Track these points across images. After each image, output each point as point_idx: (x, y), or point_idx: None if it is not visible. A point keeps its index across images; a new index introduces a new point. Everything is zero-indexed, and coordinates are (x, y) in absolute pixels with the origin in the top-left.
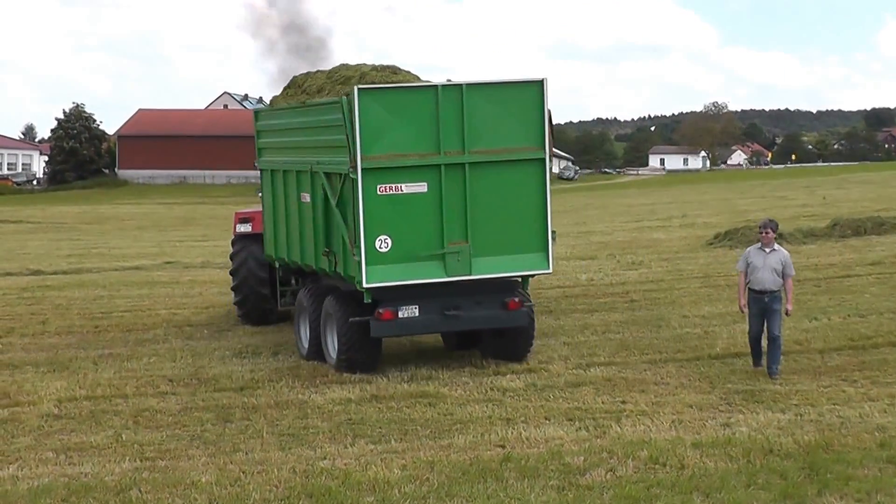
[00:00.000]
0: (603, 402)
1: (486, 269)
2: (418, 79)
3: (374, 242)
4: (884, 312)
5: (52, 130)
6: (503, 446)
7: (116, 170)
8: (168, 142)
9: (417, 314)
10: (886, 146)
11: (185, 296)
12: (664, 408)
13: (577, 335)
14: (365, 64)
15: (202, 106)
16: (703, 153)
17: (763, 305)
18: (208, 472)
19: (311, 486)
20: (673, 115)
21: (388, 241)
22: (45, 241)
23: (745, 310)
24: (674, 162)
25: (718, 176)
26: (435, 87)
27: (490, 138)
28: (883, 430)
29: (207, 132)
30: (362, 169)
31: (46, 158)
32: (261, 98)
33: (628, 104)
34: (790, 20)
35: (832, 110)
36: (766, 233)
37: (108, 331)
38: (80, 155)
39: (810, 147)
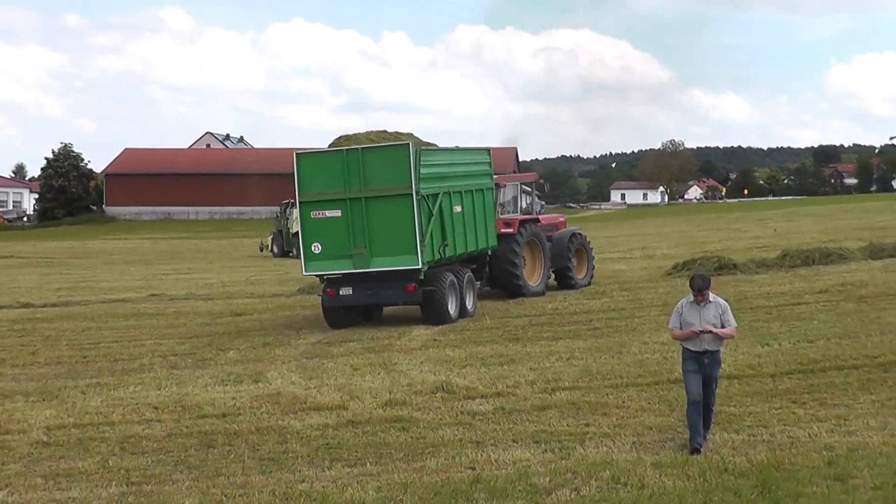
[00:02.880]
0: (567, 425)
1: (378, 265)
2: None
3: (311, 247)
4: (831, 338)
5: (41, 169)
6: (473, 468)
7: (104, 206)
8: (153, 179)
9: (351, 293)
10: (832, 181)
11: (170, 326)
12: (625, 430)
13: (543, 361)
14: (372, 132)
15: (186, 145)
16: (661, 188)
17: (702, 369)
18: (192, 496)
19: None
20: (633, 152)
21: (319, 246)
22: (35, 276)
23: (701, 328)
24: (634, 197)
25: (676, 210)
26: (343, 150)
27: (378, 181)
28: (830, 450)
29: (191, 170)
30: (300, 203)
31: (36, 196)
32: (241, 137)
33: (591, 142)
34: (742, 63)
35: (782, 147)
36: (701, 295)
37: (95, 361)
38: (69, 192)
39: (762, 182)
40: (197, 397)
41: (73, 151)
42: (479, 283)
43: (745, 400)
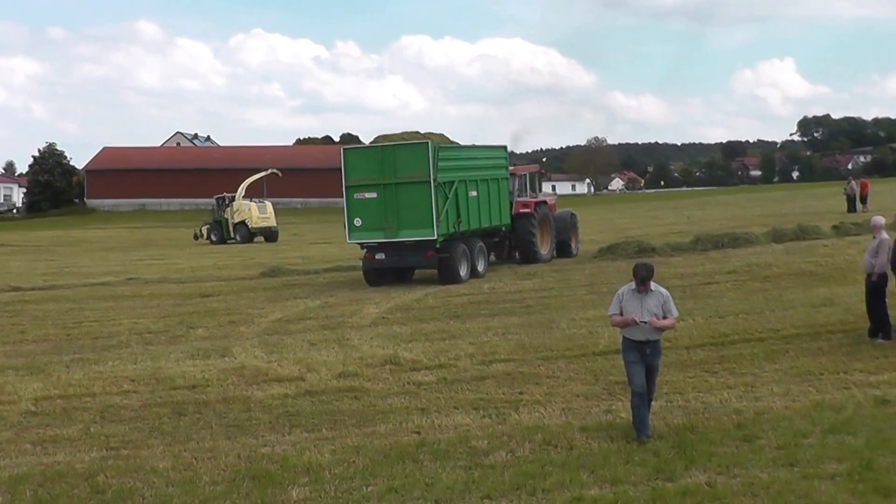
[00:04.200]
0: (503, 394)
1: (404, 236)
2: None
3: (354, 221)
4: (739, 314)
5: (29, 166)
6: (419, 433)
7: (85, 199)
8: (130, 175)
9: (384, 257)
10: (739, 173)
11: (145, 307)
12: (556, 398)
13: (480, 336)
14: (405, 132)
15: (158, 143)
16: (588, 180)
17: (644, 359)
18: (165, 459)
19: (253, 469)
20: (562, 148)
21: (360, 220)
22: (24, 262)
23: (645, 320)
24: (563, 188)
25: (601, 200)
26: (379, 146)
27: (404, 171)
28: (739, 413)
29: (163, 166)
30: (346, 186)
31: (25, 190)
32: (208, 136)
33: (523, 139)
34: (658, 68)
35: (694, 143)
36: (644, 285)
37: (78, 338)
38: (54, 187)
39: (676, 174)
40: (169, 370)
41: (57, 150)
42: (502, 252)
43: (663, 370)
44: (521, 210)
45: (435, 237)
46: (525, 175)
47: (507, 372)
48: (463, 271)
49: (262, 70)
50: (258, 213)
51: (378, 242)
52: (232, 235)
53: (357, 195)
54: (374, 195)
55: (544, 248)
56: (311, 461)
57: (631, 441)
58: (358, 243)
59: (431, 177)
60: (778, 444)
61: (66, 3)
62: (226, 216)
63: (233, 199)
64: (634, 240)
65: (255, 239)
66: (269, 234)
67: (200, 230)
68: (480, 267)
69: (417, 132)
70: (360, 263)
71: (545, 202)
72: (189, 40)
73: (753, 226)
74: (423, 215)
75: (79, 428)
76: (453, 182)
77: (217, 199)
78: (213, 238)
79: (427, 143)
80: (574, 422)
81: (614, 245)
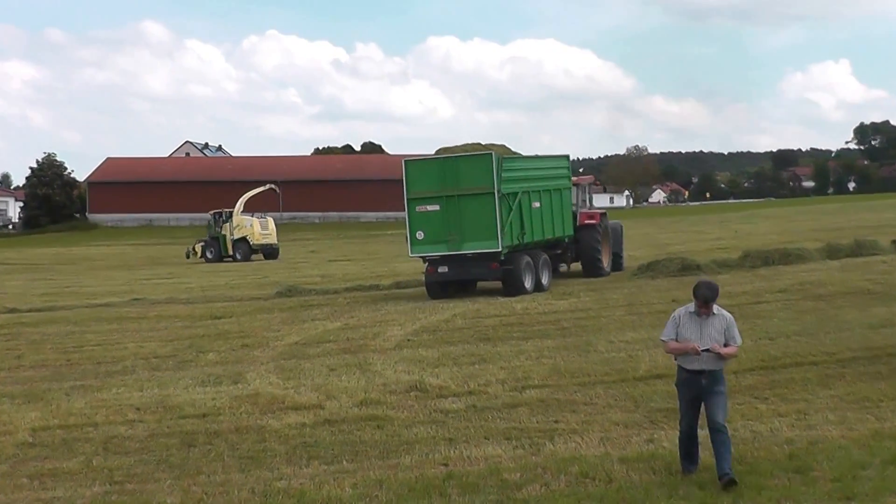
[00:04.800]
0: (537, 422)
1: (468, 248)
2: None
3: (416, 234)
4: (790, 335)
5: (26, 178)
6: (446, 464)
7: (87, 214)
8: (135, 187)
9: (447, 270)
10: (791, 184)
11: (152, 329)
12: (593, 426)
13: (513, 360)
14: (465, 144)
15: (166, 154)
16: (626, 192)
17: (699, 390)
18: (173, 495)
19: None
20: (599, 157)
21: (422, 233)
22: (21, 281)
23: (708, 347)
24: (600, 201)
25: (641, 213)
26: (441, 158)
27: (468, 182)
28: (791, 443)
29: (172, 178)
30: (408, 199)
31: (21, 204)
32: (220, 146)
33: (558, 149)
34: (702, 71)
35: (742, 152)
36: (706, 308)
37: (79, 364)
38: (53, 201)
39: (722, 185)
40: (178, 398)
41: (56, 161)
42: (563, 265)
43: None
44: (585, 221)
45: (499, 249)
46: (585, 186)
47: (540, 399)
48: (528, 283)
49: (278, 75)
50: (260, 229)
51: (441, 255)
52: (230, 252)
53: (419, 208)
54: (436, 207)
55: (605, 261)
56: (330, 496)
57: (674, 473)
58: (420, 257)
59: (495, 188)
60: (833, 476)
61: (65, 3)
62: (223, 232)
63: (230, 214)
64: (677, 256)
65: (254, 256)
66: (270, 252)
67: (194, 248)
68: (545, 279)
69: (479, 143)
70: (424, 276)
71: (606, 213)
72: (199, 42)
73: (806, 241)
74: (487, 227)
75: (80, 460)
76: (517, 193)
77: (214, 215)
78: (209, 255)
79: (490, 153)
80: (613, 452)
81: (655, 262)
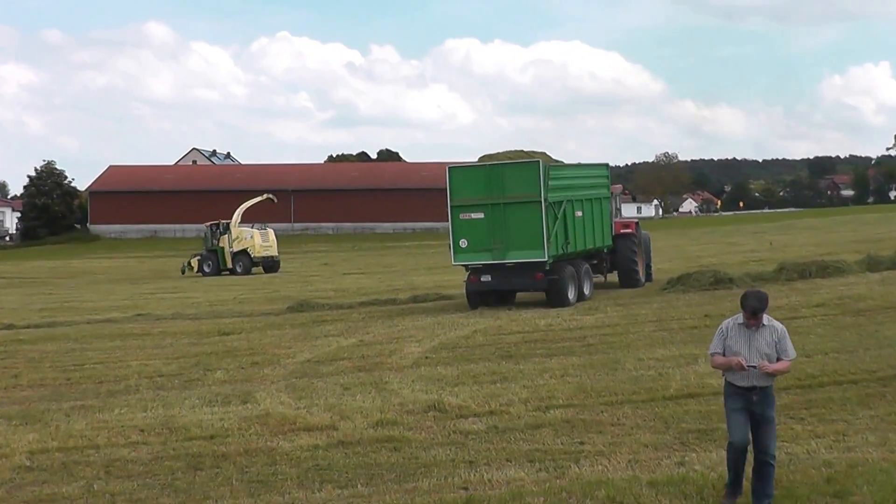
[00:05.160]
0: (562, 444)
1: (513, 257)
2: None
3: (459, 242)
4: (828, 353)
5: (24, 187)
6: (466, 488)
7: (88, 225)
8: (139, 197)
9: (490, 279)
10: (829, 193)
11: (157, 347)
12: (621, 448)
13: (536, 379)
14: (508, 151)
15: (171, 162)
16: (655, 201)
17: (750, 407)
18: None
19: None
20: (626, 165)
21: (466, 241)
22: (18, 296)
23: (756, 364)
24: (628, 210)
25: (671, 223)
26: (486, 165)
27: (513, 190)
28: (829, 466)
29: (177, 187)
30: (451, 206)
31: (19, 215)
32: (228, 153)
33: (583, 156)
34: (734, 74)
35: (777, 159)
36: (755, 319)
37: (79, 383)
38: (52, 211)
39: (757, 194)
40: (184, 419)
41: (56, 169)
42: (598, 276)
43: None
44: (622, 231)
45: (545, 258)
46: (616, 195)
47: (565, 419)
48: (571, 294)
49: (289, 78)
50: (261, 241)
51: (484, 264)
52: (230, 266)
53: (463, 215)
54: (480, 215)
55: (641, 272)
56: None
57: (706, 498)
58: (463, 265)
59: (542, 196)
60: (874, 500)
61: (64, 2)
62: (221, 245)
63: (228, 225)
64: (709, 269)
65: (254, 269)
66: (271, 265)
67: (189, 262)
68: (587, 290)
69: (522, 151)
70: (465, 285)
71: (639, 223)
72: (205, 45)
73: (845, 252)
74: (533, 236)
75: (80, 485)
76: (562, 202)
77: (210, 226)
78: (207, 269)
79: (538, 161)
80: (642, 476)
81: (686, 275)
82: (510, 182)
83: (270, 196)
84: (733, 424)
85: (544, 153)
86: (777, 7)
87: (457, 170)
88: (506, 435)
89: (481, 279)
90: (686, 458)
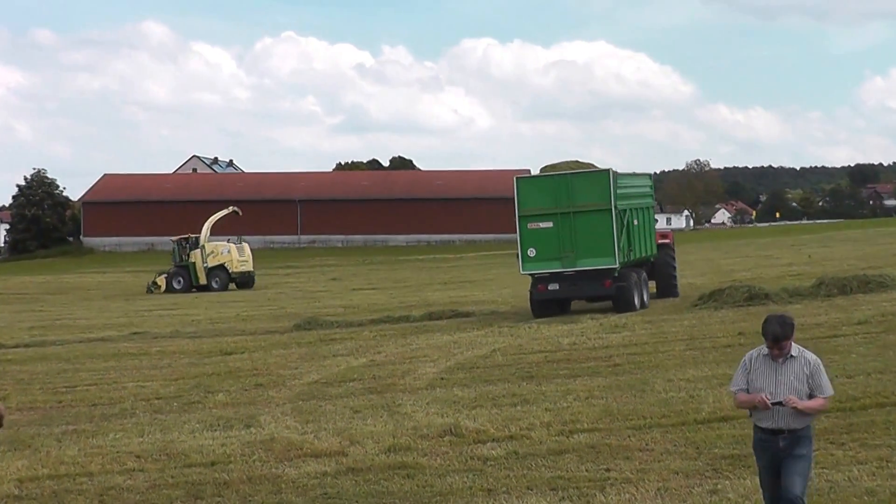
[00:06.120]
0: (587, 471)
1: (583, 265)
2: (588, 165)
3: (528, 251)
4: (871, 373)
5: (13, 198)
6: None
7: (81, 237)
8: (135, 207)
9: (558, 288)
10: (871, 203)
11: (154, 367)
12: (649, 475)
13: (559, 401)
14: (567, 161)
15: (170, 170)
16: (686, 212)
17: (777, 451)
18: None
19: None
20: (655, 173)
21: (534, 251)
22: (5, 313)
23: (769, 403)
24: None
25: (703, 235)
26: (554, 175)
27: (583, 198)
28: (872, 494)
29: (177, 197)
30: (520, 216)
31: (7, 227)
32: (231, 161)
33: (609, 163)
34: (770, 76)
35: (816, 167)
36: (779, 347)
37: (72, 406)
38: (43, 222)
39: (794, 204)
40: (183, 444)
41: (46, 178)
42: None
43: None
44: (660, 241)
45: (616, 265)
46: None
47: (590, 444)
48: (637, 300)
49: (295, 81)
50: (238, 255)
51: (552, 273)
52: (203, 281)
53: (531, 225)
54: (549, 225)
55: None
56: None
57: None
58: (531, 274)
59: (612, 204)
60: None
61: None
62: (192, 260)
63: (198, 240)
64: (743, 284)
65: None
66: (245, 280)
67: (155, 281)
68: (646, 297)
69: (577, 161)
70: (530, 294)
71: (672, 234)
72: (206, 45)
73: (888, 266)
74: (604, 244)
75: None
76: (626, 210)
77: (179, 241)
78: (177, 286)
79: (609, 170)
80: None
81: (718, 290)
82: (580, 191)
83: (236, 209)
84: (763, 482)
85: (590, 164)
86: (815, 5)
87: (524, 180)
88: (526, 461)
89: (549, 287)
90: (719, 486)
